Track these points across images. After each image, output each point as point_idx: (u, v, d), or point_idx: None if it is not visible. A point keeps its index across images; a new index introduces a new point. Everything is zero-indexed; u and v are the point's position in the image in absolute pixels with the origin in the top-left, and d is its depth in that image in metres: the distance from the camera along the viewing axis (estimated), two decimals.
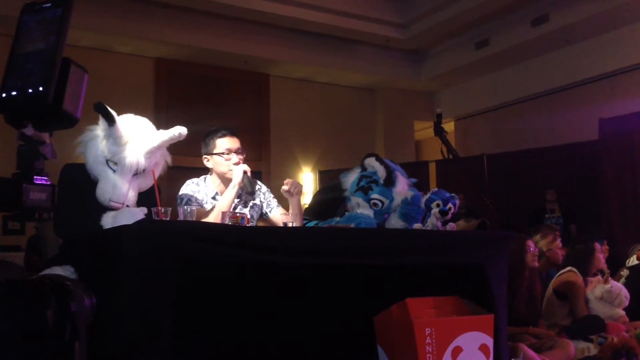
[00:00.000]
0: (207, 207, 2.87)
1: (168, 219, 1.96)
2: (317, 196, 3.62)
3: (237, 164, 2.88)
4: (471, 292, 2.31)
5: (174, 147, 2.19)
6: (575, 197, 7.46)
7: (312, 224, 2.97)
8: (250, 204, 2.97)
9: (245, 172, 2.83)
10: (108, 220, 1.96)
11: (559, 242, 4.07)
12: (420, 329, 2.02)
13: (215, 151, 2.92)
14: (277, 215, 2.99)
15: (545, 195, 7.37)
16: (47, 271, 1.85)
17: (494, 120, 9.39)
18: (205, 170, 3.06)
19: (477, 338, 2.12)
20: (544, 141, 8.07)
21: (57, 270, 1.86)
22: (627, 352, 3.30)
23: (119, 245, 1.69)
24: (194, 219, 2.06)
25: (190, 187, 2.94)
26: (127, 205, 2.05)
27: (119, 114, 2.07)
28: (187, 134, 2.09)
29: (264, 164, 8.73)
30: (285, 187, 2.85)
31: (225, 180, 2.91)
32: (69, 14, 1.27)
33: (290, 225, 2.44)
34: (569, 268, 3.98)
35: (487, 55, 8.52)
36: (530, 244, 3.58)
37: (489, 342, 2.14)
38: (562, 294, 3.88)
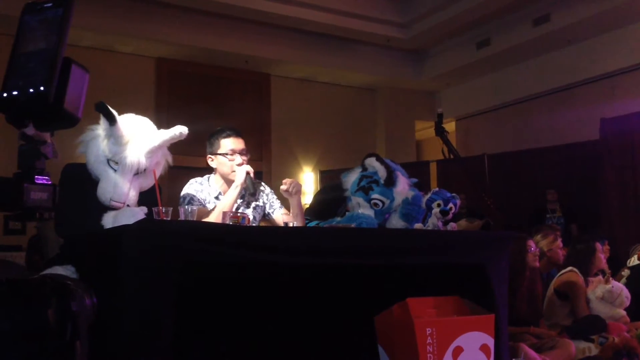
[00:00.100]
0: (210, 206, 2.87)
1: (169, 218, 1.96)
2: (317, 196, 3.62)
3: (240, 165, 2.88)
4: (472, 292, 2.31)
5: (175, 147, 2.19)
6: (576, 197, 7.46)
7: (313, 223, 2.97)
8: (253, 204, 2.98)
9: (248, 173, 2.83)
10: (109, 220, 1.97)
11: (559, 242, 4.07)
12: (421, 328, 2.02)
13: (219, 151, 2.92)
14: (280, 215, 2.99)
15: (546, 195, 7.38)
16: (48, 271, 1.85)
17: (495, 120, 9.39)
18: (209, 170, 3.06)
19: (478, 338, 2.12)
20: (545, 141, 8.07)
21: (58, 269, 1.86)
22: (628, 352, 3.30)
23: (120, 245, 1.69)
24: (194, 219, 2.06)
25: (193, 187, 2.94)
26: (128, 205, 2.05)
27: (120, 113, 2.07)
28: (188, 134, 2.09)
29: (265, 164, 8.73)
30: (283, 187, 2.84)
31: (228, 181, 2.91)
32: (70, 14, 1.27)
33: (290, 225, 2.44)
34: (569, 268, 3.98)
35: (488, 55, 8.52)
36: (531, 244, 3.58)
37: (490, 342, 2.14)
38: (563, 294, 3.88)
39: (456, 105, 9.80)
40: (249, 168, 2.85)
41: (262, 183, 3.09)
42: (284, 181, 2.86)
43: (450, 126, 9.71)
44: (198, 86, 8.38)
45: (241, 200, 2.93)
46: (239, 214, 2.15)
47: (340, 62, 8.81)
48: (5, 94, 1.22)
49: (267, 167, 8.75)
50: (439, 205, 2.52)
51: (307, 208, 3.37)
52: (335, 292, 2.20)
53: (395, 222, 2.59)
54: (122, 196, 2.03)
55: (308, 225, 2.98)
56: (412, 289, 2.22)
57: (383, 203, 2.56)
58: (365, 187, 2.59)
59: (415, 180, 2.75)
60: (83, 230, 2.01)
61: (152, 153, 2.07)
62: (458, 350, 2.07)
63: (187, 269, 1.73)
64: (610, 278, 4.05)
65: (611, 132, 7.18)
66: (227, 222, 2.08)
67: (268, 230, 2.53)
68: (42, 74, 1.21)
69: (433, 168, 8.99)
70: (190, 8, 7.42)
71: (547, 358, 3.17)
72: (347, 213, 2.70)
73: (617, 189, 7.11)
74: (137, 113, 2.20)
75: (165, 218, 1.95)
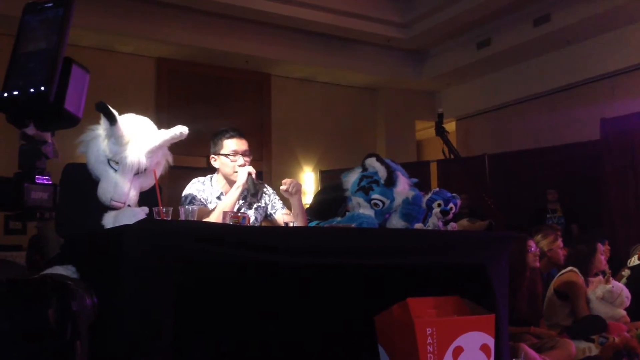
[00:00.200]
0: (211, 206, 2.87)
1: (169, 218, 1.96)
2: (318, 196, 3.62)
3: (242, 166, 2.89)
4: (472, 292, 2.31)
5: (175, 147, 2.19)
6: (577, 197, 7.46)
7: (313, 223, 2.97)
8: (255, 205, 2.98)
9: (249, 174, 2.83)
10: (109, 220, 1.97)
11: (560, 242, 4.07)
12: (421, 328, 2.02)
13: (222, 152, 2.93)
14: (281, 216, 3.00)
15: (546, 195, 7.38)
16: (49, 271, 1.85)
17: (496, 120, 9.39)
18: (210, 170, 3.07)
19: (478, 338, 2.12)
20: (545, 141, 8.07)
21: (59, 269, 1.86)
22: (629, 352, 3.30)
23: (120, 244, 1.69)
24: (195, 219, 2.06)
25: (195, 186, 2.95)
26: (129, 205, 2.05)
27: (120, 113, 2.07)
28: (189, 134, 2.09)
29: (265, 164, 8.74)
30: (283, 187, 2.85)
31: (231, 181, 2.91)
32: (70, 14, 1.27)
33: (291, 224, 2.44)
34: (569, 268, 3.98)
35: (489, 55, 8.52)
36: (532, 244, 3.58)
37: (490, 342, 2.14)
38: (563, 294, 3.87)
39: (456, 105, 9.80)
40: (250, 169, 2.86)
41: (265, 184, 3.10)
42: (283, 181, 2.86)
43: (450, 126, 9.70)
44: (198, 86, 8.38)
45: (243, 201, 2.93)
46: (239, 214, 2.15)
47: (341, 62, 8.81)
48: (5, 94, 1.22)
49: (267, 167, 8.75)
50: (439, 205, 2.52)
51: (307, 208, 3.37)
52: (336, 292, 2.20)
53: (396, 222, 2.59)
54: (123, 196, 2.03)
55: (308, 225, 2.98)
56: (412, 289, 2.22)
57: (383, 203, 2.56)
58: (365, 187, 2.59)
59: (415, 180, 2.75)
60: (83, 230, 2.01)
61: (152, 153, 2.07)
62: (458, 350, 2.08)
63: (187, 269, 1.73)
64: (611, 278, 4.05)
65: (611, 132, 7.18)
66: (228, 222, 2.08)
67: (268, 230, 2.53)
68: (42, 74, 1.21)
69: (433, 168, 9.00)
70: (191, 8, 7.42)
71: (548, 358, 3.17)
72: (347, 213, 2.71)
73: (618, 189, 7.11)
74: (137, 113, 2.20)
75: (165, 218, 1.95)
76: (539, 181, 7.94)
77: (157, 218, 1.95)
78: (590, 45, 7.82)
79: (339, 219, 2.68)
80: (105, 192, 2.01)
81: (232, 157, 2.91)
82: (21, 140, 1.29)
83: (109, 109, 1.99)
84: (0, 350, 1.18)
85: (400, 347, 2.10)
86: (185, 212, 2.04)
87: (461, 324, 2.12)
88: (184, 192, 2.93)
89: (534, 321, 3.56)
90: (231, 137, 2.94)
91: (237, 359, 2.04)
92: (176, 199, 2.95)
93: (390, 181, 2.57)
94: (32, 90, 1.20)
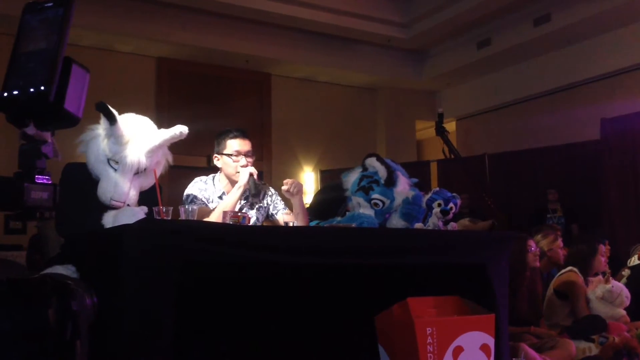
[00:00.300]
0: (213, 206, 2.88)
1: (169, 218, 1.96)
2: (318, 196, 3.62)
3: (244, 166, 2.89)
4: (472, 291, 2.31)
5: (175, 147, 2.19)
6: (577, 197, 7.47)
7: (313, 223, 2.97)
8: (257, 206, 2.99)
9: (251, 175, 2.84)
10: (109, 220, 1.97)
11: (560, 242, 4.07)
12: (421, 328, 2.02)
13: (225, 152, 2.94)
14: (282, 216, 3.01)
15: (547, 195, 7.38)
16: (49, 270, 1.85)
17: (496, 120, 9.39)
18: (210, 170, 3.07)
19: (478, 338, 2.12)
20: (545, 141, 8.08)
21: (59, 269, 1.86)
22: (629, 352, 3.30)
23: (120, 244, 1.69)
24: (195, 219, 2.06)
25: (197, 185, 2.96)
26: (128, 205, 2.05)
27: (120, 113, 2.07)
28: (189, 133, 2.09)
29: (266, 164, 8.74)
30: (284, 187, 2.86)
31: (233, 181, 2.92)
32: (70, 14, 1.27)
33: (291, 224, 2.43)
34: (569, 268, 3.98)
35: (489, 55, 8.52)
36: (532, 243, 3.57)
37: (490, 342, 2.14)
38: (562, 293, 3.87)
39: (457, 105, 9.80)
40: (252, 170, 2.86)
41: (268, 186, 3.11)
42: (284, 181, 2.87)
43: (450, 126, 9.71)
44: (198, 86, 8.38)
45: (245, 202, 2.94)
46: (239, 214, 2.15)
47: (341, 62, 8.81)
48: (5, 94, 1.22)
49: (267, 167, 8.75)
50: (439, 205, 2.52)
51: (307, 208, 3.38)
52: (336, 291, 2.20)
53: (396, 222, 2.58)
54: (123, 195, 2.03)
55: (309, 224, 2.99)
56: (412, 288, 2.22)
57: (383, 203, 2.56)
58: (365, 187, 2.59)
59: (415, 180, 2.75)
60: (83, 229, 2.01)
61: (152, 152, 2.07)
62: (458, 350, 2.07)
63: (187, 269, 1.73)
64: (610, 278, 4.05)
65: (611, 132, 7.18)
66: (228, 221, 2.08)
67: (268, 230, 2.53)
68: (42, 74, 1.21)
69: (433, 168, 9.00)
70: (191, 8, 7.42)
71: (548, 358, 3.17)
72: (347, 213, 2.70)
73: (618, 189, 7.11)
74: (137, 113, 2.20)
75: (165, 218, 1.95)
76: (539, 181, 7.94)
77: (157, 218, 1.95)
78: (590, 45, 7.82)
79: (339, 218, 2.68)
80: (105, 191, 2.01)
81: (234, 157, 2.92)
82: (21, 140, 1.29)
83: (109, 108, 1.99)
84: (0, 350, 1.18)
85: (400, 347, 2.09)
86: (186, 211, 2.04)
87: (461, 324, 2.12)
88: (186, 192, 2.93)
89: (534, 321, 3.56)
90: (234, 137, 2.95)
91: (237, 359, 2.04)
92: (176, 199, 2.95)
93: (391, 181, 2.56)
94: (32, 90, 1.20)
